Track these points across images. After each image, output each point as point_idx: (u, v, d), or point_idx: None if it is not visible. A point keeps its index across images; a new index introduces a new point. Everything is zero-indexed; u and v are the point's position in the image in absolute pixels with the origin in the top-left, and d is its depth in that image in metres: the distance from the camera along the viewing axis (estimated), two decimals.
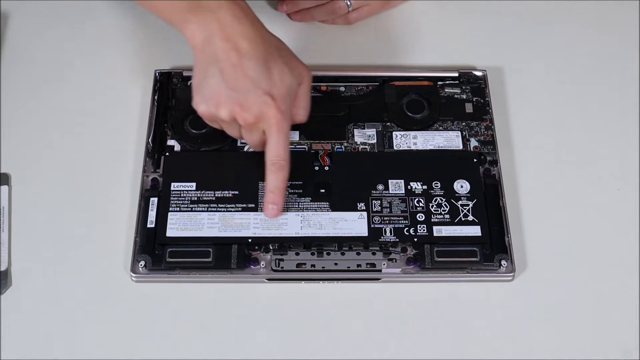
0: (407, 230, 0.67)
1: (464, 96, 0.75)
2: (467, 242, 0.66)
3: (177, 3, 0.63)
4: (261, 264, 0.66)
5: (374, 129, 0.72)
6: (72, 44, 0.78)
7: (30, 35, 0.79)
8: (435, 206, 0.68)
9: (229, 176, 0.69)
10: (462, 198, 0.68)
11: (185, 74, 0.75)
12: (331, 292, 0.66)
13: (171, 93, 0.74)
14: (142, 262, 0.65)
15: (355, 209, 0.67)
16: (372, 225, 0.67)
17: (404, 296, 0.66)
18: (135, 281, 0.66)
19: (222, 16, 0.62)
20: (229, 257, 0.66)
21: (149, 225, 0.67)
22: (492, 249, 0.66)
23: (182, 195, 0.68)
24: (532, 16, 0.81)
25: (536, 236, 0.68)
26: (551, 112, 0.75)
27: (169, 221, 0.67)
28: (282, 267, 0.66)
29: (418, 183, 0.69)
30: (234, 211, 0.67)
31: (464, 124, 0.73)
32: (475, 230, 0.67)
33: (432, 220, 0.67)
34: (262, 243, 0.66)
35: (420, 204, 0.68)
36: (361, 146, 0.72)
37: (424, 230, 0.67)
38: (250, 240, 0.66)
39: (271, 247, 0.66)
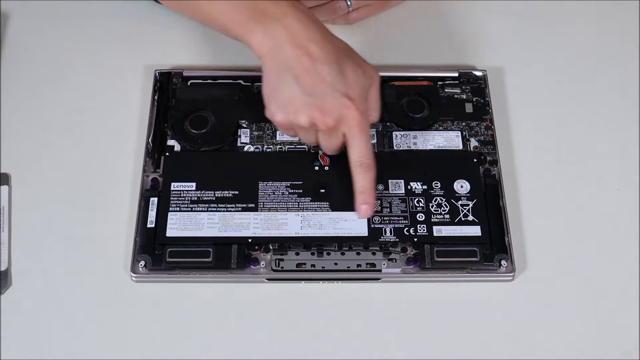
0: (407, 230, 0.67)
1: (464, 96, 0.75)
2: (467, 242, 0.66)
3: (238, 14, 0.63)
4: (261, 264, 0.66)
5: (374, 129, 0.72)
6: (72, 44, 0.78)
7: (30, 35, 0.79)
8: (435, 206, 0.68)
9: (229, 176, 0.69)
10: (462, 198, 0.68)
11: (185, 74, 0.75)
12: (331, 292, 0.66)
13: (171, 93, 0.74)
14: (142, 262, 0.65)
15: (355, 209, 0.67)
16: (372, 225, 0.67)
17: (404, 296, 0.66)
18: (135, 281, 0.66)
19: (289, 23, 0.62)
20: (229, 257, 0.66)
21: (149, 225, 0.67)
22: (492, 249, 0.66)
23: (182, 195, 0.68)
24: (532, 16, 0.81)
25: (536, 236, 0.68)
26: (551, 112, 0.75)
27: (169, 221, 0.67)
28: (282, 267, 0.66)
29: (418, 183, 0.69)
30: (234, 211, 0.67)
31: (464, 124, 0.73)
32: (475, 230, 0.67)
33: (432, 220, 0.67)
34: (262, 243, 0.66)
35: (420, 204, 0.68)
36: None
37: (424, 230, 0.67)
38: (250, 240, 0.66)
39: (271, 247, 0.66)
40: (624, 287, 0.66)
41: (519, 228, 0.68)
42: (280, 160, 0.70)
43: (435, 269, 0.66)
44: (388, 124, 0.73)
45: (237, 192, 0.68)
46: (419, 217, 0.67)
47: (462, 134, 0.72)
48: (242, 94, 0.74)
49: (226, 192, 0.68)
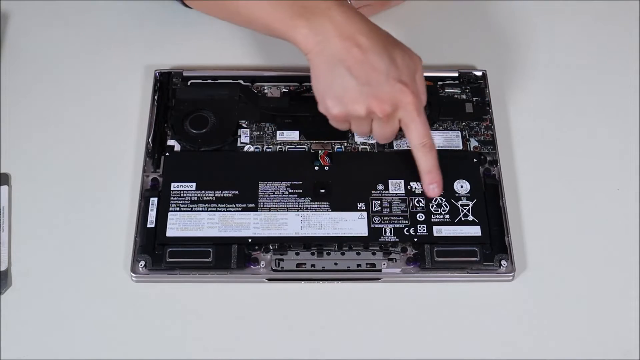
0: (407, 230, 0.67)
1: (464, 96, 0.75)
2: (467, 242, 0.66)
3: (281, 11, 0.64)
4: (261, 264, 0.66)
5: None
6: (72, 44, 0.78)
7: (30, 35, 0.79)
8: (435, 206, 0.68)
9: (229, 176, 0.69)
10: (462, 198, 0.68)
11: (185, 73, 0.75)
12: (331, 292, 0.66)
13: (171, 93, 0.74)
14: (142, 262, 0.65)
15: (355, 209, 0.67)
16: (372, 225, 0.67)
17: (404, 296, 0.66)
18: (135, 281, 0.66)
19: (334, 16, 0.63)
20: (229, 257, 0.66)
21: (149, 225, 0.67)
22: (492, 249, 0.66)
23: (182, 195, 0.68)
24: (532, 16, 0.81)
25: (536, 236, 0.68)
26: (551, 112, 0.75)
27: (169, 221, 0.67)
28: (282, 267, 0.66)
29: (418, 183, 0.69)
30: (234, 211, 0.67)
31: (464, 124, 0.73)
32: (475, 230, 0.67)
33: (432, 220, 0.67)
34: (262, 243, 0.66)
35: (420, 204, 0.68)
36: (361, 146, 0.72)
37: (424, 230, 0.67)
38: (250, 240, 0.66)
39: (271, 247, 0.66)
40: (624, 287, 0.66)
41: (519, 228, 0.68)
42: (280, 160, 0.70)
43: (435, 269, 0.66)
44: None
45: (237, 192, 0.68)
46: (419, 217, 0.67)
47: (462, 134, 0.72)
48: (242, 94, 0.74)
49: (226, 192, 0.68)
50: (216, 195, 0.68)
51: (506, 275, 0.66)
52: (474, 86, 0.75)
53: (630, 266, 0.67)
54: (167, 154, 0.71)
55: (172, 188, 0.68)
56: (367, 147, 0.72)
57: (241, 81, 0.75)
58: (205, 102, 0.73)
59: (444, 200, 0.68)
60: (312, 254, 0.66)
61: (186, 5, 0.73)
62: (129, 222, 0.68)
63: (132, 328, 0.64)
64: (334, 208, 0.68)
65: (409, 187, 0.69)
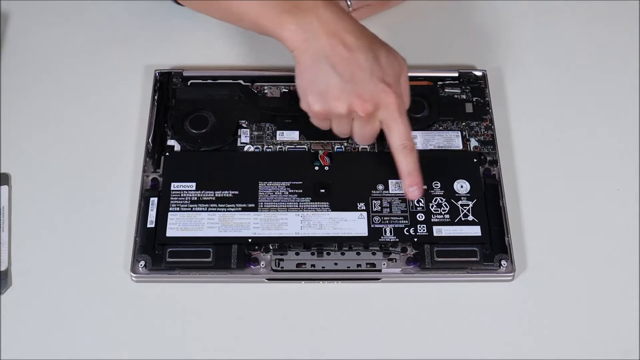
0: (407, 230, 0.67)
1: (464, 96, 0.75)
2: (467, 242, 0.66)
3: (269, 8, 0.64)
4: (261, 264, 0.66)
5: None
6: (72, 44, 0.78)
7: (30, 35, 0.79)
8: (435, 206, 0.68)
9: (229, 176, 0.69)
10: (462, 198, 0.68)
11: (185, 74, 0.75)
12: (331, 292, 0.66)
13: (171, 93, 0.74)
14: (142, 262, 0.65)
15: (355, 209, 0.67)
16: (372, 225, 0.67)
17: (404, 296, 0.66)
18: (135, 281, 0.66)
19: (322, 14, 0.63)
20: (229, 257, 0.66)
21: (149, 225, 0.67)
22: (492, 249, 0.66)
23: (182, 195, 0.68)
24: (532, 16, 0.81)
25: (536, 236, 0.68)
26: (551, 112, 0.75)
27: (169, 221, 0.67)
28: (282, 267, 0.66)
29: None
30: (234, 211, 0.67)
31: (464, 124, 0.73)
32: (475, 230, 0.67)
33: (432, 220, 0.67)
34: (262, 243, 0.66)
35: (420, 204, 0.68)
36: (361, 146, 0.72)
37: (424, 230, 0.67)
38: (250, 240, 0.66)
39: (271, 247, 0.66)
40: (624, 287, 0.66)
41: (519, 228, 0.68)
42: (280, 160, 0.70)
43: (435, 269, 0.66)
44: None
45: (237, 192, 0.68)
46: (419, 217, 0.67)
47: (462, 134, 0.72)
48: (242, 94, 0.74)
49: (226, 192, 0.68)
50: (216, 195, 0.68)
51: (506, 275, 0.66)
52: (474, 86, 0.75)
53: (630, 266, 0.67)
54: (167, 154, 0.71)
55: (172, 188, 0.68)
56: (367, 147, 0.72)
57: (241, 81, 0.75)
58: (205, 102, 0.73)
59: (444, 200, 0.68)
60: (312, 254, 0.66)
61: (179, 3, 0.73)
62: (129, 222, 0.68)
63: (132, 328, 0.64)
64: (334, 208, 0.68)
65: None
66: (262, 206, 0.68)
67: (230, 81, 0.75)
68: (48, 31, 0.79)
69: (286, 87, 0.75)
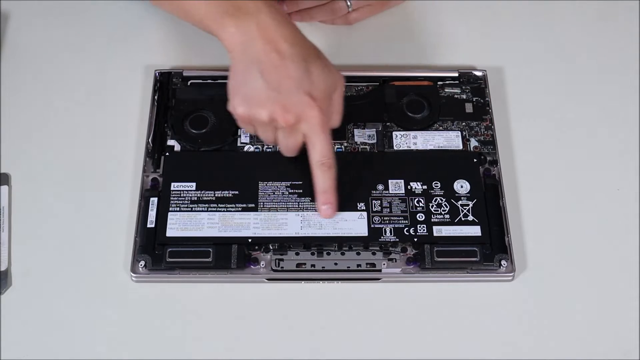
0: (407, 230, 0.67)
1: (464, 96, 0.75)
2: (467, 242, 0.66)
3: (212, 8, 0.64)
4: (261, 264, 0.66)
5: (374, 129, 0.73)
6: (72, 44, 0.78)
7: (30, 35, 0.79)
8: (435, 206, 0.68)
9: (229, 176, 0.69)
10: (462, 198, 0.68)
11: (185, 73, 0.75)
12: (331, 292, 0.66)
13: (171, 93, 0.74)
14: (142, 262, 0.65)
15: (355, 209, 0.67)
16: (372, 225, 0.67)
17: (404, 296, 0.66)
18: (135, 281, 0.66)
19: (262, 19, 0.63)
20: (229, 257, 0.66)
21: (149, 225, 0.67)
22: (492, 249, 0.66)
23: (182, 195, 0.68)
24: (532, 16, 0.81)
25: (536, 236, 0.68)
26: (551, 112, 0.75)
27: (169, 221, 0.67)
28: (282, 267, 0.66)
29: (418, 183, 0.69)
30: (234, 211, 0.67)
31: (464, 124, 0.73)
32: (475, 230, 0.67)
33: (432, 220, 0.67)
34: (262, 243, 0.66)
35: (420, 204, 0.68)
36: (361, 146, 0.72)
37: (423, 230, 0.67)
38: (250, 240, 0.66)
39: (271, 247, 0.66)
40: (624, 287, 0.66)
41: (519, 228, 0.68)
42: (280, 160, 0.70)
43: (435, 269, 0.66)
44: (388, 124, 0.73)
45: (237, 192, 0.68)
46: (419, 217, 0.67)
47: (462, 134, 0.72)
48: None
49: (226, 192, 0.68)
50: (216, 195, 0.68)
51: (506, 275, 0.66)
52: (474, 86, 0.75)
53: (630, 266, 0.67)
54: (167, 154, 0.71)
55: (172, 188, 0.68)
56: (367, 147, 0.72)
57: None
58: (205, 102, 0.73)
59: (444, 200, 0.68)
60: (312, 254, 0.66)
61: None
62: (129, 222, 0.68)
63: (132, 328, 0.64)
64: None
65: (409, 187, 0.69)
66: (262, 206, 0.68)
67: None
68: (48, 31, 0.79)
69: None
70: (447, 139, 0.72)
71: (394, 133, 0.72)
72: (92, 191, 0.70)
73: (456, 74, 0.75)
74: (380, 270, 0.66)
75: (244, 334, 0.64)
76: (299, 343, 0.64)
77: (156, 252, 0.66)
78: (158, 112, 0.73)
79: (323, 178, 0.65)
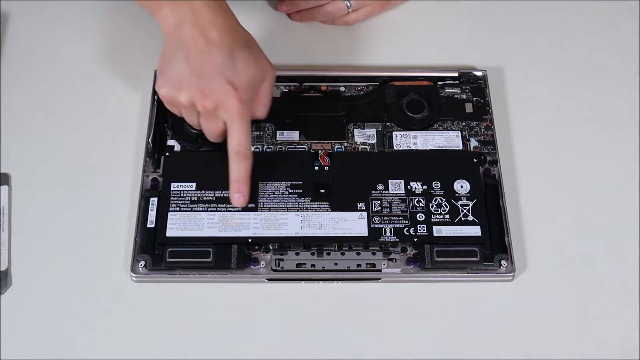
0: (407, 230, 0.67)
1: (464, 96, 0.75)
2: (467, 242, 0.66)
3: None
4: (261, 264, 0.66)
5: (374, 129, 0.73)
6: (72, 44, 0.78)
7: (30, 35, 0.79)
8: (435, 206, 0.68)
9: (229, 176, 0.69)
10: (462, 198, 0.68)
11: None
12: (331, 292, 0.66)
13: None
14: (142, 262, 0.65)
15: (355, 209, 0.67)
16: (372, 225, 0.67)
17: (404, 296, 0.66)
18: (135, 281, 0.66)
19: (196, 4, 0.63)
20: (229, 257, 0.66)
21: (149, 225, 0.67)
22: (492, 249, 0.66)
23: (182, 195, 0.68)
24: (532, 16, 0.81)
25: (536, 236, 0.68)
26: (551, 112, 0.75)
27: (169, 221, 0.67)
28: (282, 267, 0.66)
29: (418, 183, 0.69)
30: (234, 211, 0.67)
31: (464, 124, 0.73)
32: (475, 230, 0.67)
33: (432, 220, 0.67)
34: (262, 243, 0.66)
35: (420, 204, 0.68)
36: (361, 146, 0.72)
37: (424, 230, 0.67)
38: (250, 240, 0.66)
39: (271, 247, 0.66)
40: (624, 287, 0.66)
41: (519, 228, 0.68)
42: (280, 160, 0.70)
43: (435, 269, 0.66)
44: (388, 124, 0.73)
45: None
46: (419, 217, 0.67)
47: (462, 134, 0.72)
48: None
49: (226, 192, 0.68)
50: (216, 195, 0.68)
51: (506, 275, 0.66)
52: (474, 86, 0.75)
53: (630, 266, 0.67)
54: (167, 154, 0.71)
55: (172, 188, 0.68)
56: (367, 147, 0.72)
57: None
58: None
59: (444, 200, 0.68)
60: (312, 254, 0.66)
61: None
62: (129, 222, 0.68)
63: (132, 328, 0.64)
64: (334, 208, 0.68)
65: (409, 187, 0.69)
66: (262, 206, 0.68)
67: None
68: (48, 31, 0.79)
69: (286, 87, 0.75)
70: (447, 139, 0.72)
71: (394, 133, 0.72)
72: (92, 191, 0.70)
73: (456, 74, 0.76)
74: (380, 270, 0.66)
75: (244, 334, 0.64)
76: (299, 343, 0.64)
77: (156, 252, 0.66)
78: (158, 112, 0.73)
79: (237, 167, 0.66)
